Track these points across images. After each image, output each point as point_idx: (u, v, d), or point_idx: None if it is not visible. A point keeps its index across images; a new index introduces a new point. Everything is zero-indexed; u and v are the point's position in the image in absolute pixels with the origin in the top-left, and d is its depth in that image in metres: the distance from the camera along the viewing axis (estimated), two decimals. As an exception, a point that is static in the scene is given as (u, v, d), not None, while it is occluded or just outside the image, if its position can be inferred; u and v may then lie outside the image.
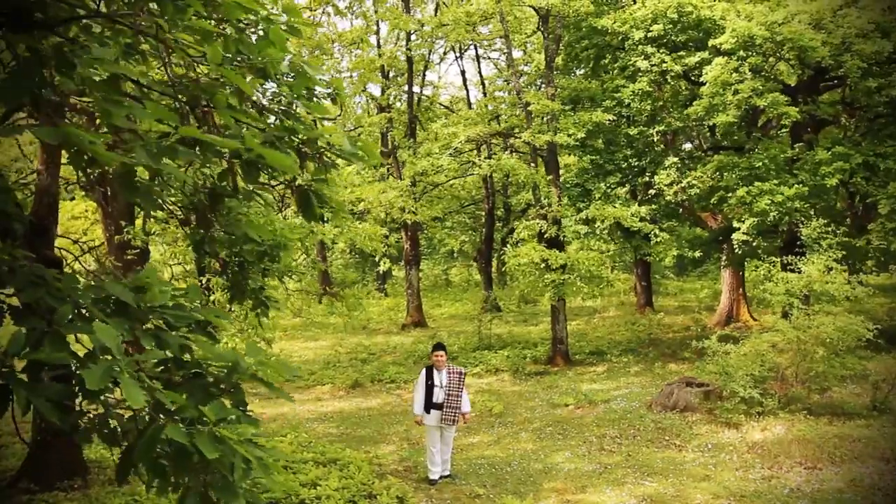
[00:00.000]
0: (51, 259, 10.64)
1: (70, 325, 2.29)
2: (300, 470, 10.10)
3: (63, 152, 12.70)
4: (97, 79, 2.41)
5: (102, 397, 2.40)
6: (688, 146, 22.64)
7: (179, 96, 2.67)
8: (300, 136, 2.72)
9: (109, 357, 2.17)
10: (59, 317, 2.28)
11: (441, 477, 10.18)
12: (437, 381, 10.09)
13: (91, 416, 2.53)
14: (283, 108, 2.79)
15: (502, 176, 33.62)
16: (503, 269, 35.93)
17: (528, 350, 19.43)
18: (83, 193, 22.37)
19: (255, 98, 2.72)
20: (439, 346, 10.43)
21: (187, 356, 2.71)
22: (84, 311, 2.40)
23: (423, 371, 10.32)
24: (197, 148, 2.36)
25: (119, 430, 2.48)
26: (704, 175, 16.60)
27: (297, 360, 20.40)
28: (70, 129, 2.23)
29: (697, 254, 18.00)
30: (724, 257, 21.13)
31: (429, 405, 10.08)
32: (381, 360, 20.22)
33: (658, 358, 18.13)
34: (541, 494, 9.41)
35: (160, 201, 2.99)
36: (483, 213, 33.31)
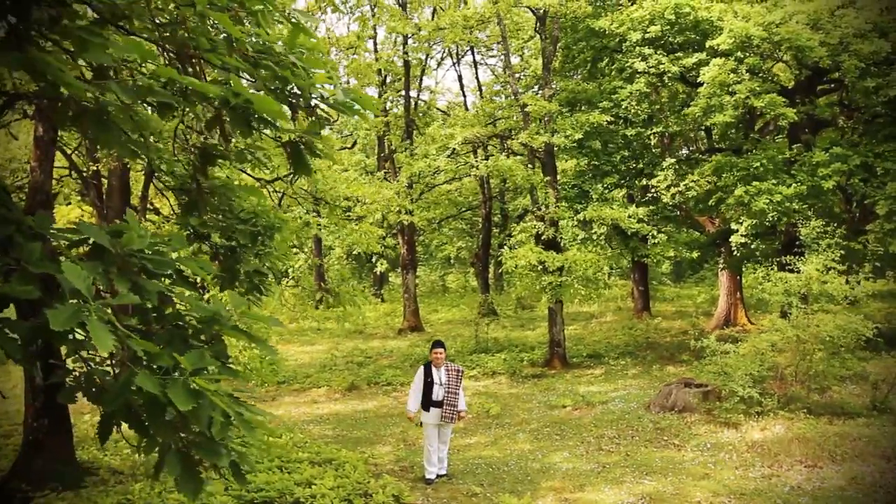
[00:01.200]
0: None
1: (40, 263, 2.17)
2: (295, 469, 9.98)
3: (58, 153, 12.59)
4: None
5: (86, 353, 2.29)
6: (685, 152, 22.64)
7: (167, 46, 2.58)
8: (291, 87, 2.62)
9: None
10: (27, 253, 2.17)
11: (438, 476, 10.06)
12: (436, 379, 9.97)
13: (76, 374, 2.42)
14: (275, 60, 2.68)
15: (499, 181, 33.60)
16: (501, 270, 35.84)
17: (525, 353, 19.33)
18: (79, 199, 22.26)
19: (247, 50, 2.62)
20: (438, 344, 10.32)
21: (169, 309, 2.59)
22: (61, 256, 2.29)
23: (421, 368, 10.20)
24: (182, 96, 2.25)
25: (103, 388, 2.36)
26: (701, 178, 16.55)
27: (292, 364, 20.25)
28: (35, 54, 2.12)
29: (695, 254, 17.90)
30: (721, 261, 21.06)
31: (428, 403, 9.94)
32: (377, 363, 20.09)
33: (656, 361, 18.05)
34: (538, 493, 9.28)
35: (138, 150, 2.85)
36: (480, 219, 33.27)
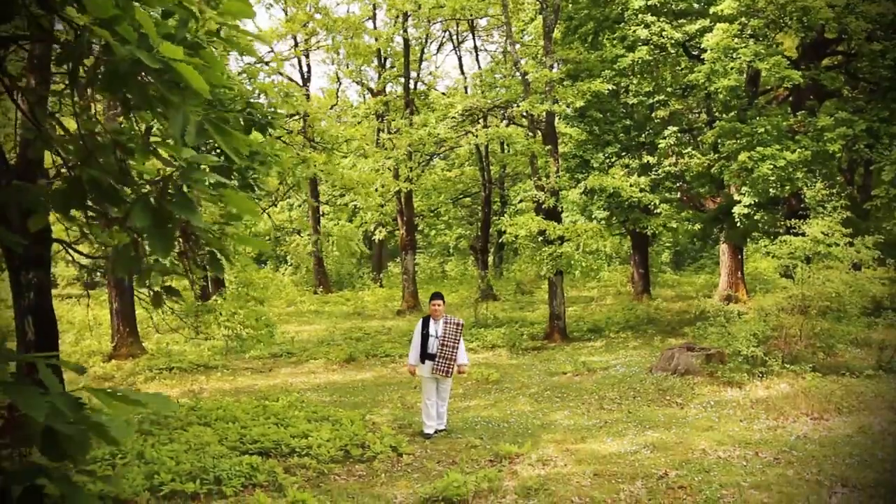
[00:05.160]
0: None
1: None
2: (291, 424, 9.80)
3: (49, 101, 12.39)
4: None
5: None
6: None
7: None
8: None
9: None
10: None
11: (436, 431, 9.88)
12: (432, 331, 9.80)
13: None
14: None
15: (499, 168, 33.45)
16: (502, 243, 35.64)
17: (525, 328, 19.13)
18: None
19: None
20: (437, 296, 10.14)
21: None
22: None
23: (420, 321, 10.04)
24: None
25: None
26: (703, 158, 16.32)
27: (290, 339, 20.00)
28: None
29: (697, 226, 17.68)
30: (723, 237, 20.81)
31: (423, 355, 9.78)
32: (375, 338, 19.89)
33: (657, 334, 17.82)
34: (539, 445, 9.09)
35: None
36: (479, 206, 33.14)
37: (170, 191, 2.14)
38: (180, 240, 2.65)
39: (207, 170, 2.29)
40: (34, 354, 2.35)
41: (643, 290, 26.05)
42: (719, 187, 19.76)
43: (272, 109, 4.44)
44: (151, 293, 2.63)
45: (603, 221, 19.33)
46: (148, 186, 2.19)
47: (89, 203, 2.23)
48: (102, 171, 2.05)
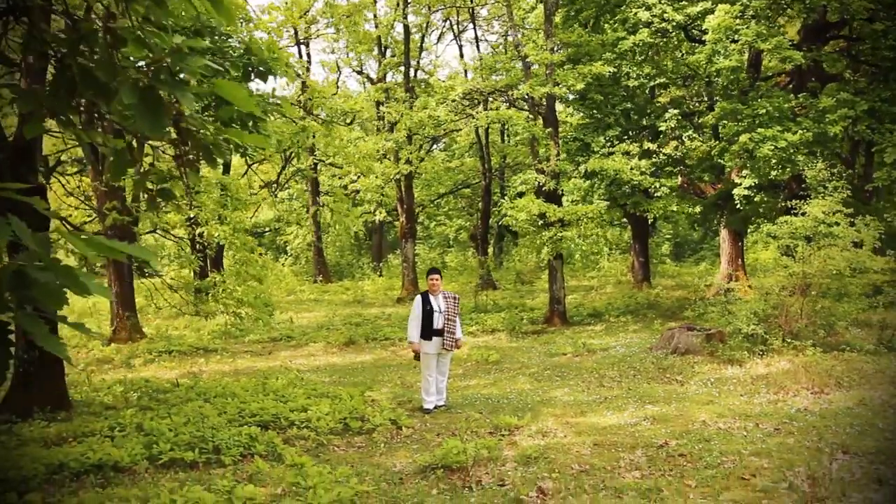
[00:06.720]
0: (34, 185, 10.30)
1: None
2: (290, 399, 9.79)
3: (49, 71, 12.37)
4: None
5: None
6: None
7: None
8: None
9: None
10: None
11: (436, 407, 9.84)
12: (435, 307, 9.73)
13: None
14: None
15: (500, 158, 33.39)
16: (501, 242, 35.62)
17: (524, 313, 19.10)
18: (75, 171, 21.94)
19: None
20: (434, 270, 10.08)
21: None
22: None
23: (419, 297, 9.95)
24: None
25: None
26: (703, 144, 16.24)
27: (289, 325, 19.96)
28: None
29: (697, 209, 17.62)
30: (723, 222, 20.75)
31: (429, 332, 9.67)
32: (375, 323, 19.86)
33: (657, 318, 17.80)
34: (539, 418, 9.07)
35: None
36: (479, 198, 33.10)
37: (161, 76, 2.08)
38: (175, 143, 2.61)
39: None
40: (8, 184, 2.25)
41: (643, 278, 25.96)
42: (719, 174, 19.71)
43: (273, 55, 4.39)
44: (146, 196, 2.59)
45: (602, 210, 19.24)
46: (139, 73, 2.14)
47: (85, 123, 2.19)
48: (92, 61, 2.00)
